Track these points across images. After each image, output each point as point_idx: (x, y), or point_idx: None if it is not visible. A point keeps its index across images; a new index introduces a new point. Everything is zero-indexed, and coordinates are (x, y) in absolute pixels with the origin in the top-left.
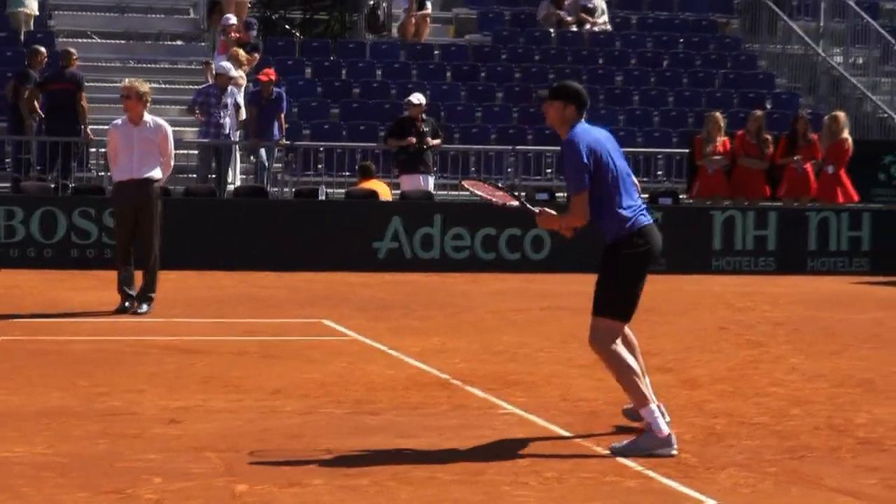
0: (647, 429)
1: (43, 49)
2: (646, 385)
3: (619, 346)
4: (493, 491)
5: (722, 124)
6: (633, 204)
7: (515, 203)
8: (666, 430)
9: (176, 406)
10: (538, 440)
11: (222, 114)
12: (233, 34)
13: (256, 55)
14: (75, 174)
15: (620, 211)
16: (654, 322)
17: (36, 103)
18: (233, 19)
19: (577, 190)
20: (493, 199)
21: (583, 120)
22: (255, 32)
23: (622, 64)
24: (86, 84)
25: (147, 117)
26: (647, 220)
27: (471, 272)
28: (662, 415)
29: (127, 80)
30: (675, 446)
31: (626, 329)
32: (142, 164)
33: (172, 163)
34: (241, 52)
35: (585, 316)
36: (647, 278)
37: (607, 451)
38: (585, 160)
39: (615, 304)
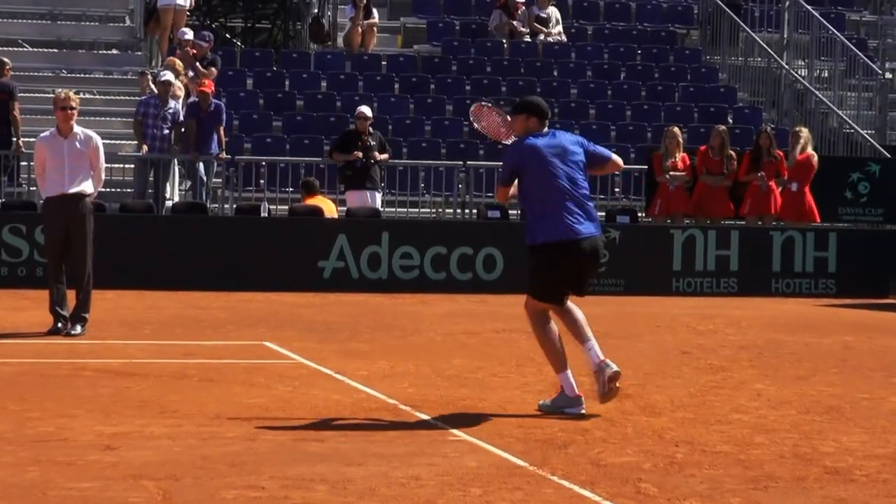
0: (562, 390)
1: None
2: (563, 353)
3: (542, 319)
4: None
5: (680, 139)
6: (548, 218)
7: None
8: (576, 391)
9: (111, 432)
10: (491, 469)
11: (162, 126)
12: (189, 49)
13: (214, 70)
14: (5, 189)
15: (534, 220)
16: (612, 345)
17: None
18: (189, 34)
19: (499, 183)
20: (492, 129)
21: (546, 129)
22: (205, 43)
23: (577, 76)
24: (18, 94)
25: (77, 129)
26: (559, 235)
27: (420, 293)
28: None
29: (61, 90)
30: (583, 406)
31: (575, 309)
32: (72, 178)
33: (104, 176)
34: (178, 62)
35: None
36: (578, 265)
37: (563, 481)
38: (512, 162)
39: (529, 286)
